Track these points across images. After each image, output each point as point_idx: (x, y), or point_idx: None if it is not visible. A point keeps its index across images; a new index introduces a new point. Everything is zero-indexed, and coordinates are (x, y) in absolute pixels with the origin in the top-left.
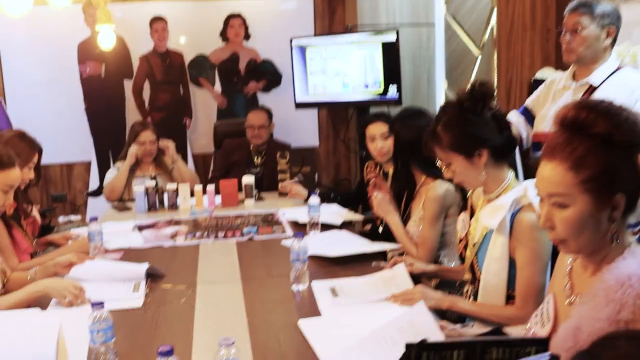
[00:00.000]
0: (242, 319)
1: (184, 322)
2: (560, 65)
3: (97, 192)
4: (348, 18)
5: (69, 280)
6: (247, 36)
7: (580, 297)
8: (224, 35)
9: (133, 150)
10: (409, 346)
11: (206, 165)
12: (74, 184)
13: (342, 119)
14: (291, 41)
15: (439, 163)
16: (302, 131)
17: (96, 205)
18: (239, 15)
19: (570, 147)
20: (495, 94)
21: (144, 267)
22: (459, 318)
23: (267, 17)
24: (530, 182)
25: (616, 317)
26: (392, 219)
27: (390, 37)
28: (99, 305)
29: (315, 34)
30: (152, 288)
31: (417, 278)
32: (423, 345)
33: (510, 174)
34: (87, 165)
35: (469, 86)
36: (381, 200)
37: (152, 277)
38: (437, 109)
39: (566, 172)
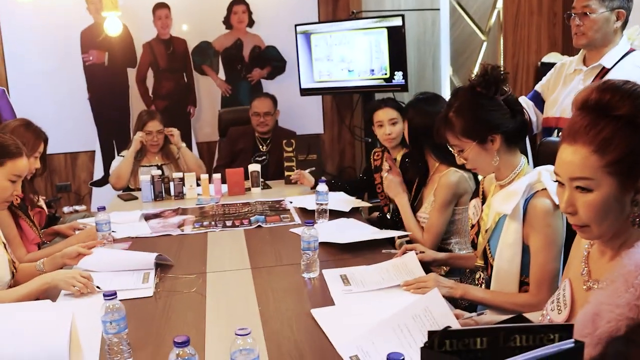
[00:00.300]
0: (254, 308)
1: (195, 311)
2: (567, 51)
3: (102, 182)
4: (352, 4)
5: (75, 270)
6: (250, 23)
7: (599, 283)
8: (227, 22)
9: (138, 136)
10: (431, 333)
11: (211, 153)
12: (78, 173)
13: (347, 105)
14: (296, 27)
15: (451, 149)
16: (306, 118)
17: (101, 195)
18: (242, 1)
19: (594, 129)
20: (506, 78)
21: (152, 256)
22: (471, 306)
23: (271, 3)
24: (544, 168)
25: (636, 302)
26: (401, 200)
27: (396, 23)
28: (111, 295)
29: (319, 20)
30: (162, 278)
31: (426, 266)
32: (446, 333)
33: (523, 159)
34: (91, 154)
35: (480, 70)
36: (391, 181)
37: (162, 266)
38: (442, 94)
39: (590, 154)
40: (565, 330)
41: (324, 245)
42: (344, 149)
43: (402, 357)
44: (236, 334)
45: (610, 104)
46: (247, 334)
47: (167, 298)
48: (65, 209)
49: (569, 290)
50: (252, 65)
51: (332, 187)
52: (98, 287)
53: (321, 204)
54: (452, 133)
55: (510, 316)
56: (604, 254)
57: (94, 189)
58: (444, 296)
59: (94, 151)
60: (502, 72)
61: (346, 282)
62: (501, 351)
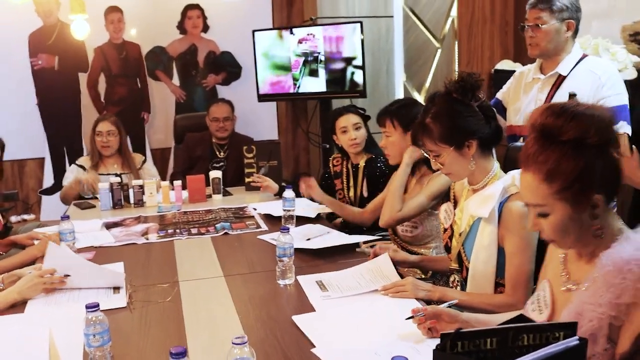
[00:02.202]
0: (234, 317)
1: (174, 321)
2: (519, 58)
3: (52, 190)
4: (307, 11)
5: (34, 273)
6: (205, 28)
7: (580, 285)
8: (181, 26)
9: (75, 177)
10: (444, 335)
11: (164, 160)
12: (26, 181)
13: (302, 111)
14: (254, 33)
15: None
16: (261, 124)
17: (51, 204)
18: (197, 6)
19: (542, 157)
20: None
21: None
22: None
23: (226, 9)
24: (518, 172)
25: (617, 302)
26: (410, 257)
27: (354, 29)
28: (93, 307)
29: (274, 26)
30: (134, 287)
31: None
32: (458, 334)
33: (496, 164)
34: (41, 162)
35: (457, 77)
36: (410, 285)
37: (132, 275)
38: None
39: (540, 183)
40: (569, 328)
41: (296, 251)
42: (298, 155)
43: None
44: (233, 343)
45: (556, 130)
46: (244, 343)
47: (142, 309)
48: (13, 218)
49: (549, 291)
50: (207, 71)
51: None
52: (66, 275)
53: (288, 210)
54: (430, 139)
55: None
56: (581, 256)
57: (44, 197)
58: (422, 299)
59: (44, 158)
60: (477, 79)
61: (323, 287)
62: (510, 350)
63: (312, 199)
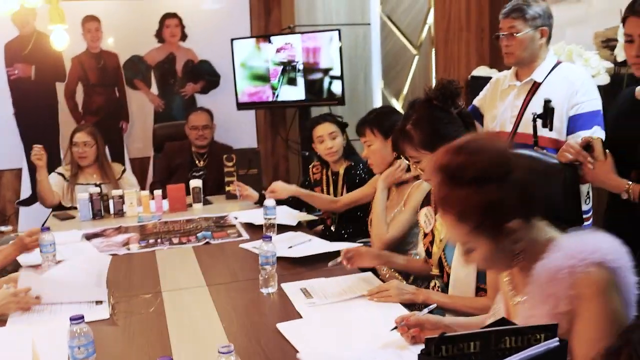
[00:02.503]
0: (218, 325)
1: (158, 332)
2: (495, 64)
3: (30, 201)
4: (284, 19)
5: (6, 291)
6: (183, 37)
7: (521, 297)
8: (159, 35)
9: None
10: (429, 340)
11: (143, 169)
12: (3, 192)
13: (281, 119)
14: (232, 42)
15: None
16: (240, 133)
17: (29, 215)
18: (174, 15)
19: (450, 201)
20: (461, 92)
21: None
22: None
23: (203, 17)
24: None
25: (555, 311)
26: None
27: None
28: (78, 319)
29: (252, 35)
30: (116, 298)
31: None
32: (442, 339)
33: None
34: (18, 172)
35: (437, 84)
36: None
37: (115, 286)
38: (374, 106)
39: (456, 224)
40: (549, 330)
41: (279, 259)
42: (277, 163)
43: None
44: (220, 352)
45: (457, 170)
46: (230, 352)
47: (126, 320)
48: None
49: (503, 304)
50: (185, 79)
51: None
52: (37, 297)
53: (269, 219)
54: (411, 145)
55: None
56: (521, 270)
57: (21, 208)
58: (406, 302)
59: (21, 169)
60: (457, 87)
61: (308, 295)
62: (493, 353)
63: (290, 203)
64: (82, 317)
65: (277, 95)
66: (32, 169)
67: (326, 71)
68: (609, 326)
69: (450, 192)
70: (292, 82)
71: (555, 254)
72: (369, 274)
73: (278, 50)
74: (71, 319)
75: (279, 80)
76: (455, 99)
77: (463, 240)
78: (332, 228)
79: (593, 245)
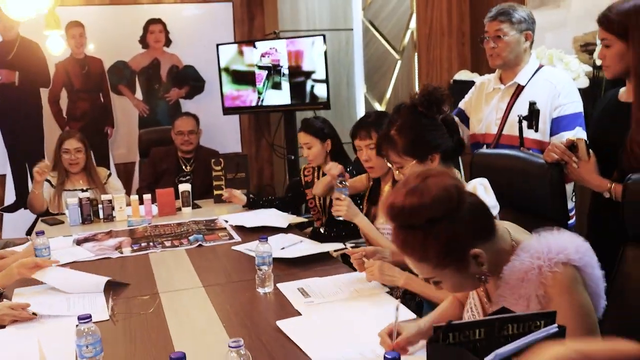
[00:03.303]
0: (218, 325)
1: (159, 331)
2: (476, 68)
3: (14, 208)
4: (268, 24)
5: (2, 304)
6: (168, 42)
7: (493, 300)
8: (143, 41)
9: (35, 170)
10: (436, 328)
11: (128, 174)
12: None
13: (265, 123)
14: (218, 47)
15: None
16: (224, 137)
17: (13, 222)
18: (159, 21)
19: (408, 248)
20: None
21: (104, 279)
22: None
23: (187, 23)
24: (478, 181)
25: (527, 311)
26: (362, 220)
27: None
28: (86, 318)
29: (235, 40)
30: (115, 300)
31: None
32: (449, 326)
33: (459, 173)
34: (1, 178)
35: (422, 91)
36: (350, 204)
37: (113, 289)
38: (357, 111)
39: (419, 264)
40: (549, 317)
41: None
42: (262, 167)
43: (397, 356)
44: (230, 347)
45: (407, 217)
46: (240, 346)
47: (126, 320)
48: None
49: (477, 299)
50: (170, 85)
51: (263, 205)
52: (34, 314)
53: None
54: (394, 151)
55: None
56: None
57: (5, 215)
58: (386, 284)
59: (4, 175)
60: (442, 93)
61: (305, 294)
62: (496, 340)
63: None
64: (90, 316)
65: (262, 100)
66: (16, 175)
67: (311, 75)
68: (579, 321)
69: (405, 238)
70: (276, 86)
71: (521, 256)
72: (363, 273)
73: (263, 55)
74: (79, 318)
75: (264, 85)
76: (440, 106)
77: (429, 276)
78: (322, 230)
79: (558, 246)
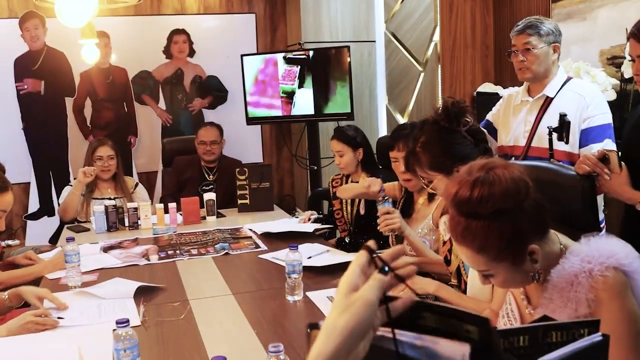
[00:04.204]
0: (249, 332)
1: (191, 338)
2: (500, 81)
3: (38, 215)
4: (290, 35)
5: (26, 314)
6: (191, 52)
7: (539, 303)
8: (167, 51)
9: (80, 170)
10: None
11: (150, 184)
12: None
13: (287, 134)
14: (242, 58)
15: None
16: (246, 148)
17: (36, 229)
18: (183, 31)
19: (469, 236)
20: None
21: (135, 285)
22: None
23: (211, 34)
24: None
25: (576, 314)
26: (411, 233)
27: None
28: (124, 322)
29: (258, 51)
30: (146, 307)
31: None
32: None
33: None
34: (26, 186)
35: (441, 105)
36: (400, 217)
37: (144, 295)
38: (378, 123)
39: (475, 255)
40: (592, 325)
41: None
42: (282, 177)
43: None
44: (270, 352)
45: (473, 205)
46: (280, 351)
47: (157, 327)
48: None
49: (515, 304)
50: (193, 95)
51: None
52: (60, 318)
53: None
54: (420, 167)
55: (538, 317)
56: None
57: (29, 222)
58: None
59: (29, 183)
60: (461, 106)
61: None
62: (540, 347)
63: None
64: (128, 320)
65: (294, 105)
66: (40, 183)
67: (335, 86)
68: (628, 327)
69: (468, 226)
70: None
71: (571, 259)
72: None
73: (289, 65)
74: (117, 322)
75: (292, 95)
76: (460, 118)
77: (483, 269)
78: (347, 239)
79: (608, 250)
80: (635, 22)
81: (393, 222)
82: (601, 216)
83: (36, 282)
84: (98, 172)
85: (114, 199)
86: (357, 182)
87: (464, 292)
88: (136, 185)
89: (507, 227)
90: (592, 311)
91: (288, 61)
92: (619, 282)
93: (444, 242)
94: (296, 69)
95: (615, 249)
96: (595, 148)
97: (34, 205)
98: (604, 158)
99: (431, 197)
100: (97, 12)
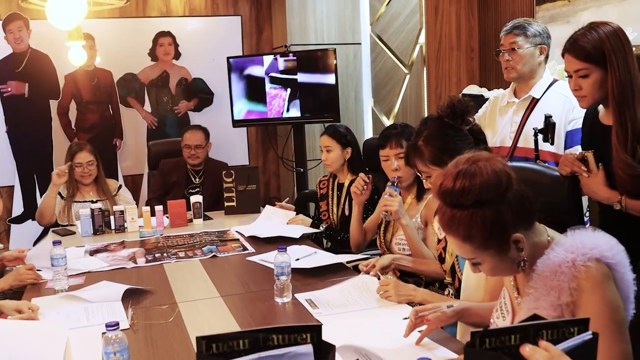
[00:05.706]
0: None
1: (180, 340)
2: (485, 83)
3: (22, 219)
4: (276, 38)
5: (17, 268)
6: (177, 55)
7: (525, 292)
8: (152, 53)
9: (54, 171)
10: (474, 333)
11: (135, 186)
12: None
13: (273, 136)
14: (228, 60)
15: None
16: (231, 150)
17: (21, 232)
18: (168, 33)
19: (454, 225)
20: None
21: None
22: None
23: (197, 37)
24: None
25: (558, 302)
26: (409, 223)
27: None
28: (113, 325)
29: (243, 54)
30: (134, 310)
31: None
32: (486, 332)
33: None
34: (9, 190)
35: (447, 102)
36: (401, 202)
37: (132, 298)
38: (364, 124)
39: (462, 243)
40: (582, 324)
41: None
42: (268, 180)
43: None
44: None
45: (456, 196)
46: None
47: (146, 329)
48: None
49: (508, 298)
50: (178, 97)
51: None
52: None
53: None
54: (421, 161)
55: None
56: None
57: (13, 226)
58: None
59: (13, 186)
60: (467, 104)
61: (313, 305)
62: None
63: None
64: (117, 323)
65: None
66: (25, 187)
67: (321, 88)
68: (609, 315)
69: (453, 216)
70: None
71: (556, 249)
72: (373, 279)
73: (274, 67)
74: (107, 326)
75: (281, 98)
76: (465, 116)
77: (470, 257)
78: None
79: (592, 243)
80: (568, 38)
81: (392, 204)
82: (585, 218)
83: (22, 287)
84: (78, 178)
85: (96, 201)
86: (342, 183)
87: (458, 290)
88: (119, 187)
89: (490, 217)
90: (574, 299)
91: (272, 80)
92: (600, 273)
93: (439, 240)
94: (285, 94)
95: (599, 242)
96: (580, 150)
97: (18, 208)
98: (582, 159)
99: (419, 197)
100: (85, 15)
